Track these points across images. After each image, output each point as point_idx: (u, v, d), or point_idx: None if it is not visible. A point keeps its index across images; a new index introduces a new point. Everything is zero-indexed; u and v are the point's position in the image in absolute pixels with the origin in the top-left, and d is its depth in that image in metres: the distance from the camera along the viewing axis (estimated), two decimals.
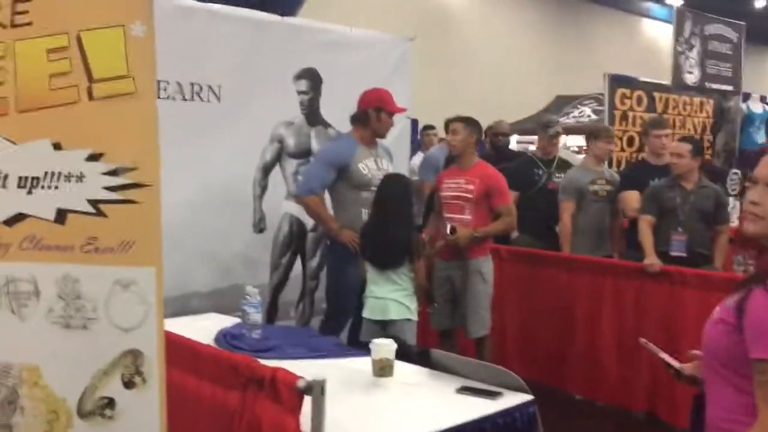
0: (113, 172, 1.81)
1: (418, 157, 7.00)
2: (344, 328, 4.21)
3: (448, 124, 4.90)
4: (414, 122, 10.19)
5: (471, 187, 4.31)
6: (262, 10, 4.69)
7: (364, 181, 4.19)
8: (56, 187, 1.82)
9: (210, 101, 4.40)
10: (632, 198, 4.97)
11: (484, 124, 8.00)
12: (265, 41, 4.59)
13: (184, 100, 4.29)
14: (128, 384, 1.88)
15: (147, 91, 1.82)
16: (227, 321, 3.40)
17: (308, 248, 4.89)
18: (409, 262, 3.91)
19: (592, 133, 5.17)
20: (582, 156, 6.38)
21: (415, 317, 3.89)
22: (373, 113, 4.24)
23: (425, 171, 6.10)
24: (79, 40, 1.78)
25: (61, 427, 1.87)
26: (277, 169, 4.72)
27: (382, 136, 4.36)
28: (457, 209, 4.35)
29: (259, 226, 4.70)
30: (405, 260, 3.89)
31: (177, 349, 2.48)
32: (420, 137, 8.79)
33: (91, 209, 1.83)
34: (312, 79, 4.84)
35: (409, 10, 15.23)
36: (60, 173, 1.82)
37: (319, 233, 4.66)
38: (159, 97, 4.15)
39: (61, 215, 1.83)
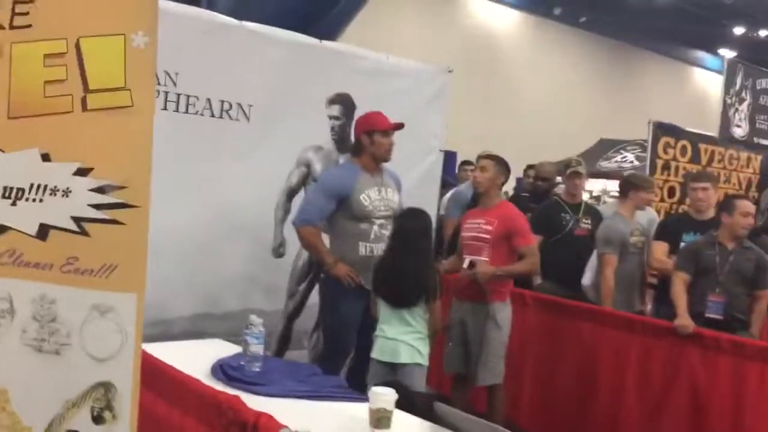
0: (101, 190, 1.70)
1: (448, 193, 6.84)
2: (342, 367, 4.04)
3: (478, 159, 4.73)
4: (453, 155, 10.13)
5: (489, 227, 4.14)
6: (302, 32, 4.63)
7: (364, 212, 3.96)
8: (41, 201, 1.71)
9: (239, 120, 4.33)
10: (659, 249, 4.77)
11: (524, 162, 7.87)
12: (301, 64, 4.52)
13: (212, 116, 4.23)
14: (97, 419, 1.75)
15: (144, 107, 1.70)
16: (231, 349, 3.26)
17: None
18: (425, 302, 3.73)
19: (632, 182, 4.93)
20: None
21: (426, 362, 3.69)
22: (366, 138, 4.02)
23: (452, 207, 5.94)
24: (77, 46, 1.67)
25: None
26: (301, 194, 4.59)
27: (385, 159, 4.09)
28: (475, 250, 4.18)
29: (279, 251, 4.59)
30: (421, 299, 3.71)
31: (164, 380, 2.35)
32: (457, 172, 8.64)
33: (74, 227, 1.71)
34: (345, 104, 4.74)
35: (454, 41, 15.21)
36: (46, 186, 1.71)
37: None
38: (187, 112, 4.12)
39: (43, 231, 1.72)
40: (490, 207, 4.24)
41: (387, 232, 4.02)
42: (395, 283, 3.68)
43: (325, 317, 4.16)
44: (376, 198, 4.02)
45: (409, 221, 3.79)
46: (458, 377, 4.29)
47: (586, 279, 4.90)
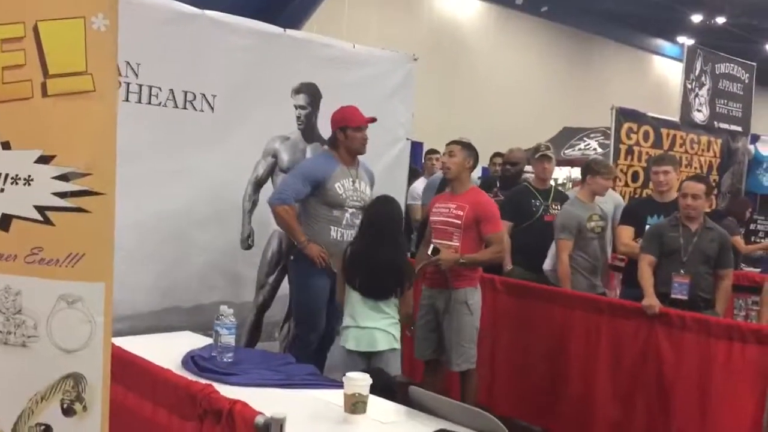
0: (64, 177, 1.65)
1: (421, 182, 6.84)
2: (313, 345, 4.05)
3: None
4: (419, 145, 10.13)
5: (460, 212, 4.14)
6: (265, 21, 4.58)
7: (338, 200, 4.12)
8: (2, 190, 1.66)
9: (203, 111, 4.28)
10: (625, 233, 4.84)
11: (489, 151, 7.89)
12: (265, 53, 4.48)
13: (176, 107, 4.16)
14: (67, 411, 1.71)
15: (106, 91, 1.66)
16: (201, 341, 3.23)
17: None
18: (401, 291, 3.73)
19: (591, 168, 4.97)
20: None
21: (399, 345, 3.73)
22: (341, 134, 4.18)
23: (428, 195, 5.94)
24: (35, 30, 1.62)
25: None
26: (268, 184, 4.57)
27: (359, 152, 4.25)
28: (445, 235, 4.18)
29: (247, 242, 4.55)
30: (398, 289, 3.71)
31: (134, 371, 2.31)
32: (423, 161, 8.65)
33: (37, 216, 1.66)
34: (311, 94, 4.72)
35: (418, 31, 15.19)
36: (7, 175, 1.66)
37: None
38: (150, 104, 4.05)
39: (5, 221, 1.67)
40: (460, 192, 4.24)
41: (357, 221, 4.10)
42: (372, 274, 3.65)
43: (295, 298, 4.21)
44: (350, 188, 4.15)
45: (381, 208, 3.78)
46: (430, 363, 4.30)
47: (547, 264, 4.96)
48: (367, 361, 3.65)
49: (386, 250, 3.69)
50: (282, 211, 4.07)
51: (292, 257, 4.22)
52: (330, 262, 4.02)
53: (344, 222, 4.12)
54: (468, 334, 4.12)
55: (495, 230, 4.18)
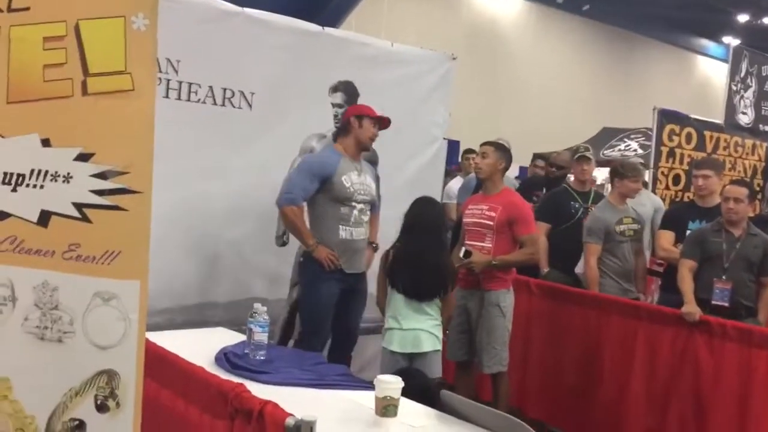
0: (102, 175, 1.67)
1: (457, 182, 6.81)
2: (319, 350, 4.04)
3: None
4: (456, 144, 10.08)
5: (493, 214, 4.13)
6: (304, 19, 4.59)
7: (345, 195, 3.98)
8: (41, 187, 1.68)
9: (241, 108, 4.30)
10: (665, 238, 4.74)
11: (527, 150, 7.83)
12: (304, 51, 4.48)
13: (215, 104, 4.19)
14: (101, 407, 1.72)
15: (145, 90, 1.67)
16: (235, 337, 3.24)
17: None
18: (446, 293, 3.75)
19: (617, 171, 4.90)
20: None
21: (441, 347, 3.78)
22: (355, 121, 4.05)
23: (463, 195, 5.91)
24: (77, 29, 1.64)
25: None
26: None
27: (367, 145, 4.14)
28: (477, 236, 4.17)
29: (282, 239, 4.56)
30: (441, 291, 3.74)
31: (168, 368, 2.33)
32: (461, 160, 8.61)
33: (75, 213, 1.68)
34: (348, 92, 4.70)
35: (457, 29, 15.13)
36: (47, 172, 1.68)
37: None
38: (189, 100, 4.08)
39: (45, 217, 1.69)
40: (493, 193, 4.22)
41: (366, 217, 4.09)
42: (416, 276, 3.68)
43: (303, 299, 4.14)
44: (357, 181, 4.03)
45: (425, 210, 3.80)
46: (461, 365, 4.28)
47: (579, 267, 4.90)
48: (409, 361, 3.69)
49: (431, 251, 3.72)
50: (290, 212, 3.94)
51: (301, 258, 4.12)
52: (339, 265, 3.95)
53: (352, 219, 4.00)
54: (500, 337, 4.10)
55: (528, 231, 4.15)
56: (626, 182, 4.77)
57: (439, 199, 5.34)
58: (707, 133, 7.04)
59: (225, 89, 4.21)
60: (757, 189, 7.45)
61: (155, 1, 1.66)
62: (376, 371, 3.53)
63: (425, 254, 3.70)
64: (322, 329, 4.04)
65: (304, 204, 4.02)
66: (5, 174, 1.69)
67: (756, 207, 7.32)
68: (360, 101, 4.65)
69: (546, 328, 4.67)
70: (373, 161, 4.63)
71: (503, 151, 4.27)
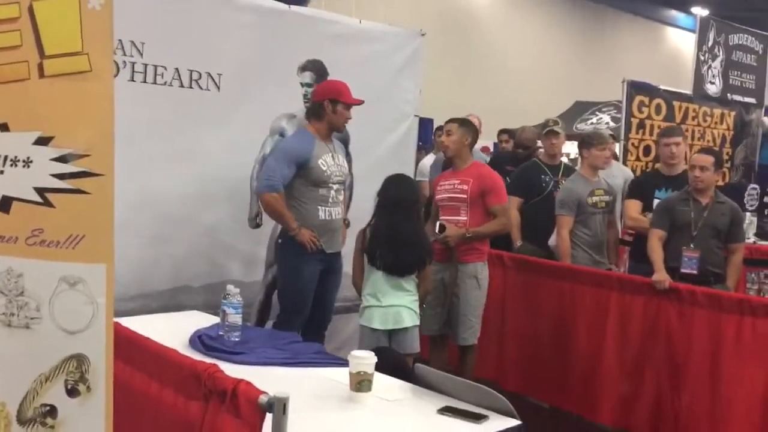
0: (63, 159, 1.65)
1: (430, 159, 6.82)
2: (297, 331, 4.05)
3: None
4: (429, 122, 10.07)
5: (465, 187, 4.18)
6: None
7: (322, 178, 3.99)
8: (1, 172, 1.66)
9: (209, 89, 4.26)
10: (632, 207, 4.79)
11: (500, 125, 7.83)
12: (270, 30, 4.44)
13: (182, 87, 4.15)
14: (71, 392, 1.72)
15: (103, 71, 1.65)
16: (209, 320, 3.24)
17: None
18: (423, 267, 3.82)
19: (584, 141, 4.92)
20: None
21: (419, 321, 3.85)
22: (329, 105, 4.02)
23: (435, 172, 5.92)
24: (31, 10, 1.61)
25: None
26: None
27: (339, 129, 4.16)
28: (452, 211, 4.21)
29: (255, 221, 4.54)
30: (421, 265, 3.80)
31: (141, 351, 2.33)
32: (434, 138, 8.62)
33: (37, 198, 1.66)
34: (317, 71, 4.68)
35: (430, 7, 15.03)
36: (6, 156, 1.65)
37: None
38: (155, 83, 4.04)
39: (6, 203, 1.66)
40: (463, 168, 4.26)
41: (341, 197, 4.14)
42: (394, 252, 3.73)
43: (284, 282, 4.14)
44: (332, 164, 4.05)
45: (399, 188, 3.86)
46: (435, 339, 4.33)
47: (552, 240, 4.93)
48: (388, 337, 3.75)
49: (407, 226, 3.78)
50: (271, 199, 3.92)
51: (279, 240, 4.12)
52: (321, 245, 3.98)
53: (330, 200, 4.03)
54: (475, 308, 4.18)
55: (500, 202, 4.21)
56: (593, 151, 4.79)
57: (412, 176, 5.37)
58: (676, 104, 7.10)
59: (192, 71, 4.17)
60: (727, 158, 7.55)
61: None
62: (352, 350, 3.55)
63: (401, 230, 3.75)
64: (304, 309, 4.06)
65: (283, 189, 4.00)
66: None
67: (725, 175, 7.44)
68: (330, 78, 4.63)
69: (520, 301, 4.71)
70: (345, 140, 4.62)
71: (467, 126, 4.30)
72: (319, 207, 4.01)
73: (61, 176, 1.65)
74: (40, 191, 1.66)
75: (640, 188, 4.90)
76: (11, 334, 1.72)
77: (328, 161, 4.02)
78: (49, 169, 1.65)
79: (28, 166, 1.66)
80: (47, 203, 1.66)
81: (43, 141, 1.65)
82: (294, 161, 3.94)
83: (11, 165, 1.66)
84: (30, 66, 1.63)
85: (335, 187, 4.06)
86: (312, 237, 3.94)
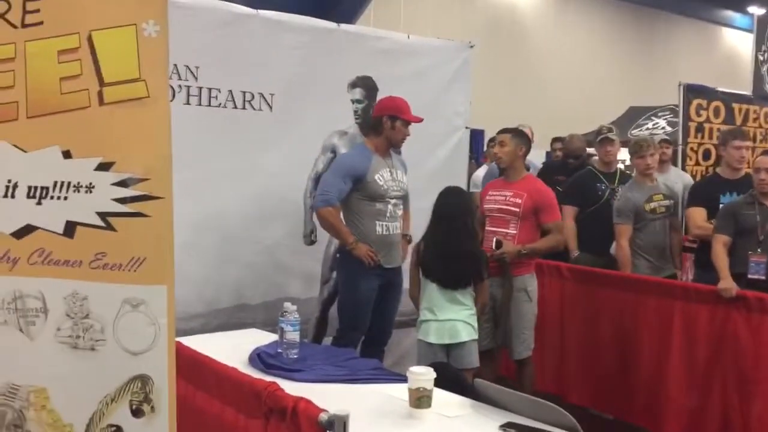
0: (123, 183, 1.69)
1: (483, 170, 6.77)
2: (356, 346, 4.05)
3: None
4: (480, 133, 10.01)
5: (518, 200, 4.12)
6: (319, 17, 4.59)
7: (379, 192, 4.00)
8: (65, 198, 1.71)
9: (262, 110, 4.32)
10: (697, 215, 4.64)
11: (553, 134, 7.74)
12: (321, 49, 4.49)
13: (235, 108, 4.22)
14: (136, 412, 1.75)
15: (160, 96, 1.68)
16: (267, 337, 3.26)
17: None
18: (480, 280, 3.79)
19: (630, 150, 4.83)
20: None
21: (477, 336, 3.81)
22: (388, 121, 4.05)
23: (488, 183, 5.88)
24: (90, 40, 1.66)
25: None
26: None
27: (397, 145, 4.17)
28: (501, 222, 4.17)
29: (310, 238, 4.58)
30: (476, 278, 3.78)
31: (203, 371, 2.36)
32: (486, 149, 8.57)
33: (100, 222, 1.70)
34: (367, 87, 4.70)
35: (477, 18, 15.03)
36: (69, 183, 1.71)
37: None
38: (210, 105, 4.12)
39: (70, 228, 1.71)
40: (516, 180, 4.21)
41: (400, 211, 4.13)
42: (449, 265, 3.72)
43: (343, 296, 4.17)
44: (389, 179, 4.06)
45: (453, 200, 3.85)
46: (487, 352, 4.27)
47: (613, 248, 4.84)
48: (446, 352, 3.73)
49: (461, 239, 3.76)
50: (327, 214, 3.96)
51: (338, 255, 4.16)
52: (379, 260, 3.98)
53: (388, 214, 4.04)
54: (528, 322, 4.13)
55: (554, 218, 4.17)
56: (635, 160, 4.73)
57: (464, 188, 5.34)
58: (735, 106, 6.91)
59: (244, 92, 4.23)
60: None
61: (164, 7, 1.67)
62: (411, 364, 3.54)
63: (454, 243, 3.74)
64: (362, 325, 4.07)
65: (339, 204, 4.04)
66: (30, 188, 1.72)
67: None
68: (379, 95, 4.65)
69: (580, 313, 4.63)
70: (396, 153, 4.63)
71: (521, 137, 4.26)
72: (377, 222, 4.02)
73: (122, 200, 1.69)
74: (103, 216, 1.70)
75: (704, 195, 4.76)
76: (77, 356, 1.76)
77: (385, 176, 4.03)
78: (110, 194, 1.69)
79: (91, 192, 1.70)
80: (109, 227, 1.70)
81: (104, 166, 1.69)
82: (350, 176, 3.97)
83: (74, 191, 1.70)
84: (90, 94, 1.68)
85: (393, 201, 4.07)
86: (369, 252, 3.95)
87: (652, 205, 4.62)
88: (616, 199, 4.90)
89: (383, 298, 4.09)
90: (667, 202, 4.67)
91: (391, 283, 4.14)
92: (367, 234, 4.00)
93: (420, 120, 4.11)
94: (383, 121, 4.06)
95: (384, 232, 4.03)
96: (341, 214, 4.07)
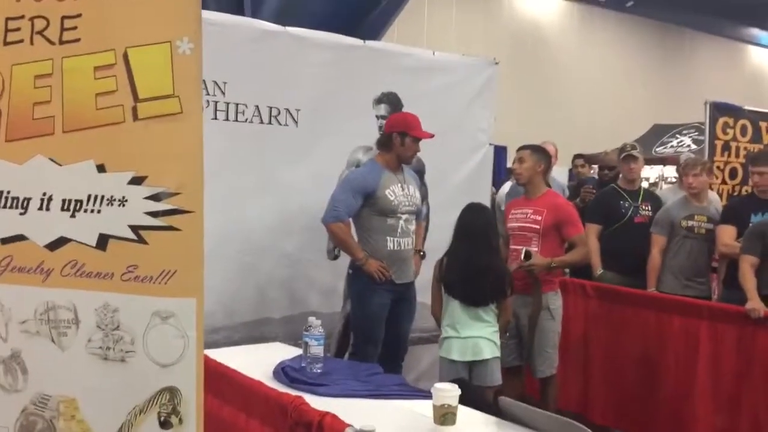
0: (156, 197, 1.71)
1: (507, 186, 6.76)
2: (371, 358, 4.04)
3: None
4: (502, 150, 9.99)
5: (538, 217, 4.12)
6: (345, 34, 4.64)
7: (390, 207, 4.01)
8: (99, 211, 1.74)
9: (288, 125, 4.35)
10: (726, 233, 4.61)
11: (576, 151, 7.72)
12: (346, 65, 4.52)
13: (262, 123, 4.26)
14: (164, 424, 1.76)
15: (193, 112, 1.71)
16: (291, 351, 3.27)
17: None
18: (503, 297, 3.77)
19: (681, 165, 4.85)
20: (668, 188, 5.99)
21: (500, 353, 3.79)
22: (398, 138, 4.05)
23: (511, 200, 5.87)
24: (125, 57, 1.69)
25: None
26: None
27: (407, 161, 4.17)
28: (523, 240, 4.16)
29: (334, 253, 4.58)
30: (499, 295, 3.76)
31: (229, 384, 2.37)
32: (509, 166, 8.54)
33: (132, 235, 1.73)
34: (392, 103, 4.73)
35: (500, 34, 15.06)
36: (103, 196, 1.74)
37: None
38: (237, 120, 4.16)
39: (103, 241, 1.74)
40: (536, 196, 4.22)
41: (412, 227, 4.13)
42: (471, 281, 3.70)
43: (354, 311, 4.17)
44: (400, 194, 4.06)
45: (476, 216, 3.83)
46: (510, 370, 4.24)
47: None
48: (469, 369, 3.71)
49: (484, 256, 3.74)
50: (337, 229, 3.98)
51: (350, 271, 4.15)
52: (390, 276, 3.98)
53: (399, 230, 4.04)
54: (551, 340, 4.11)
55: (578, 232, 4.17)
56: (683, 178, 4.76)
57: (488, 204, 5.33)
58: (763, 124, 6.84)
59: (271, 108, 4.27)
60: None
61: (198, 24, 1.70)
62: (433, 381, 3.52)
63: (476, 259, 3.72)
64: (375, 338, 4.07)
65: (350, 219, 4.05)
66: (64, 201, 1.75)
67: None
68: (404, 111, 4.67)
69: (604, 331, 4.59)
70: (420, 170, 4.64)
71: (540, 153, 4.26)
72: (388, 237, 4.02)
73: (154, 214, 1.72)
74: (135, 229, 1.73)
75: (735, 213, 4.72)
76: (107, 368, 1.78)
77: (396, 191, 4.04)
78: (142, 208, 1.72)
79: (123, 205, 1.73)
80: (141, 240, 1.73)
81: (137, 180, 1.72)
82: (360, 191, 3.99)
83: (108, 204, 1.74)
84: (125, 109, 1.71)
85: (404, 217, 4.07)
86: (380, 267, 3.96)
87: (691, 223, 4.62)
88: (644, 215, 4.96)
89: (396, 313, 4.09)
90: (710, 225, 4.67)
91: (403, 299, 4.13)
92: (378, 249, 4.01)
93: (431, 136, 4.11)
94: (393, 138, 4.07)
95: (395, 248, 4.03)
96: (353, 230, 4.08)
